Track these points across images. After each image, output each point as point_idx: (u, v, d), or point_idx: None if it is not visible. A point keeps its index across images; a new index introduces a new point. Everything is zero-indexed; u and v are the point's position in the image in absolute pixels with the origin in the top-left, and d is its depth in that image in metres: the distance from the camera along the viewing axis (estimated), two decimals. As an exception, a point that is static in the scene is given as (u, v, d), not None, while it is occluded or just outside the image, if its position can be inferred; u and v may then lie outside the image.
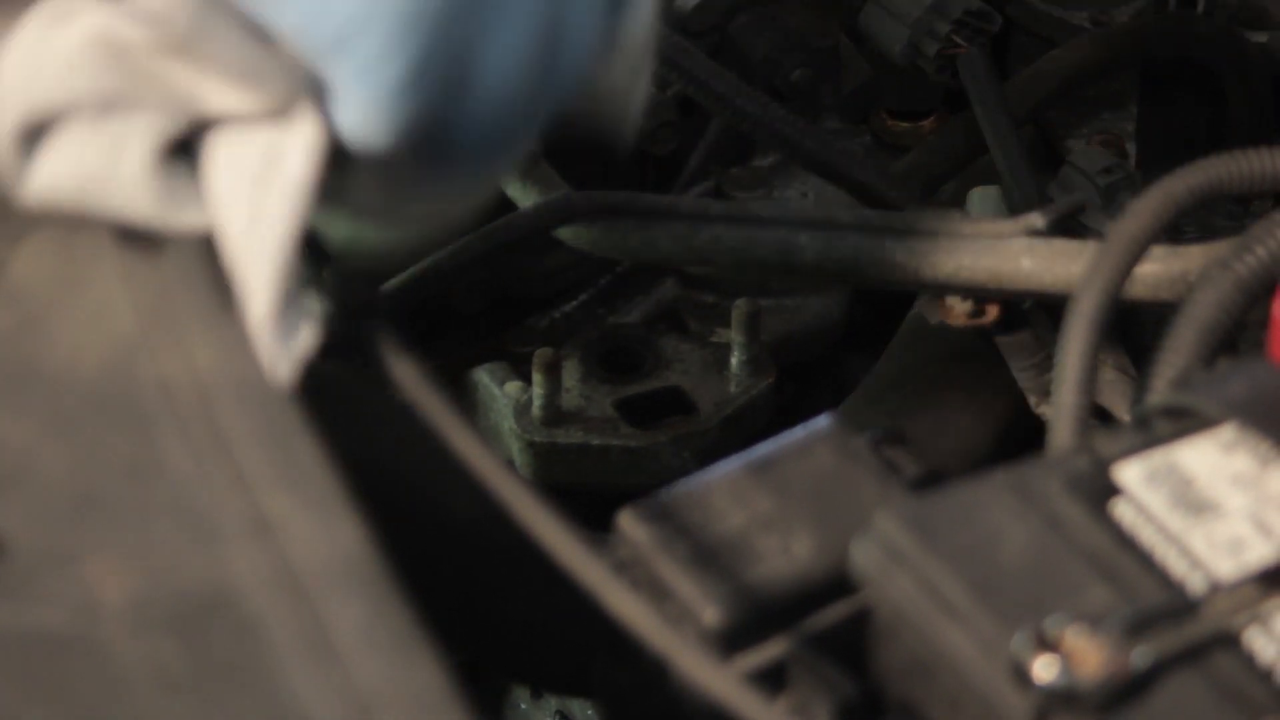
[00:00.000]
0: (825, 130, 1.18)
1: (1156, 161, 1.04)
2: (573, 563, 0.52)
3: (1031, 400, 0.90)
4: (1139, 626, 0.48)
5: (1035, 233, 0.82)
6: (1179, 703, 0.47)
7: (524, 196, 0.96)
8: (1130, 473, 0.53)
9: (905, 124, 1.18)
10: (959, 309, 0.83)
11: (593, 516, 0.60)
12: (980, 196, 0.99)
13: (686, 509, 0.58)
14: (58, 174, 0.53)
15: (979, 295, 0.82)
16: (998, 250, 0.81)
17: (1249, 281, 0.69)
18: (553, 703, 0.95)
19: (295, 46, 0.52)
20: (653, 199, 0.85)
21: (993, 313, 0.83)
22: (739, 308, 0.99)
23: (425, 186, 0.57)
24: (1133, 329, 0.90)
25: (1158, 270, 0.79)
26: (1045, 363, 0.88)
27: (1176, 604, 0.49)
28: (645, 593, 0.57)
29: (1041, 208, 0.84)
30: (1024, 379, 0.89)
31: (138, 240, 0.55)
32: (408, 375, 0.56)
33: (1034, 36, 1.14)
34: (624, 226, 0.82)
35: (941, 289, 0.82)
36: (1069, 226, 0.88)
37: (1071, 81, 1.05)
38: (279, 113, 0.52)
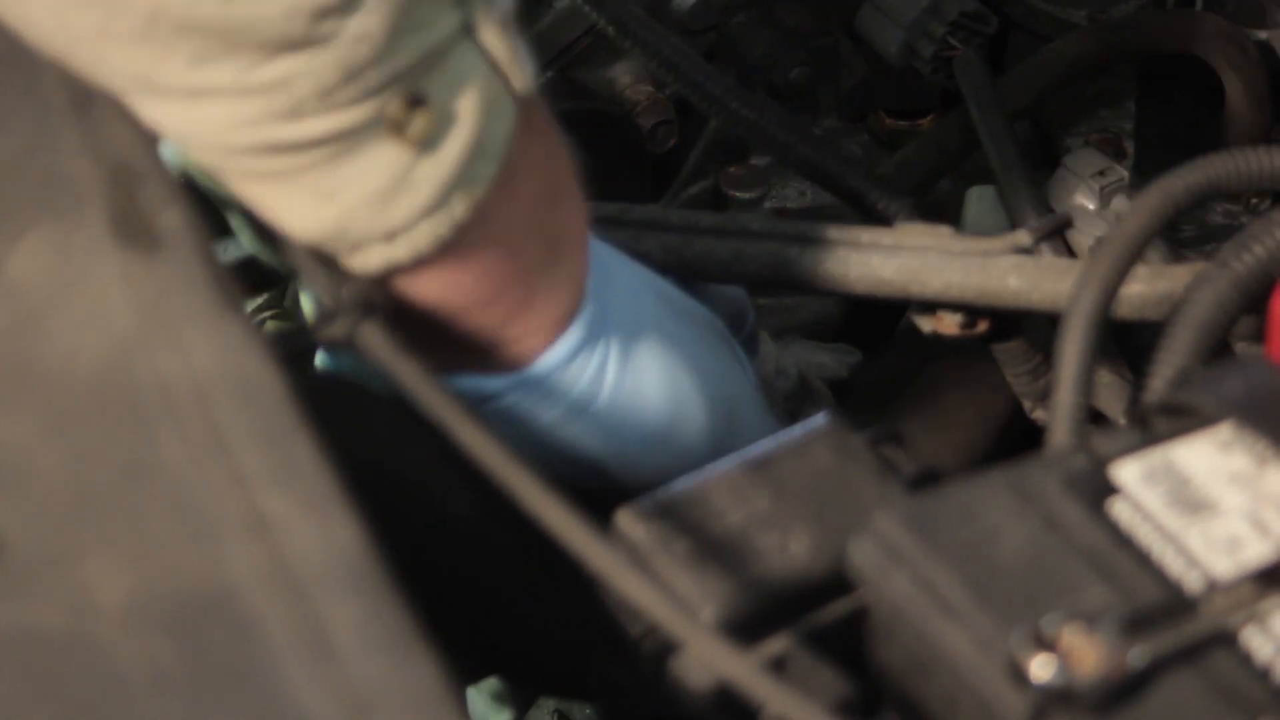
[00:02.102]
0: (823, 130, 1.18)
1: (1155, 160, 1.04)
2: (583, 549, 0.52)
3: (1026, 405, 0.90)
4: (1136, 625, 0.48)
5: (1023, 250, 0.82)
6: (1176, 701, 0.47)
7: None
8: (1128, 472, 0.53)
9: (903, 123, 1.19)
10: (950, 320, 0.83)
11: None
12: (977, 195, 0.99)
13: (685, 507, 0.58)
14: None
15: (968, 311, 0.83)
16: (985, 268, 0.81)
17: (1247, 280, 0.69)
18: (551, 702, 0.95)
19: None
20: (644, 210, 0.85)
21: (984, 325, 0.84)
22: None
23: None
24: (1130, 332, 0.90)
25: (1144, 290, 0.79)
26: (1039, 369, 0.88)
27: (1174, 603, 0.49)
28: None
29: (1029, 224, 0.84)
30: (1018, 385, 0.89)
31: (135, 238, 0.55)
32: (409, 370, 0.56)
33: (1032, 35, 1.14)
34: (617, 238, 0.82)
35: (930, 305, 0.83)
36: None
37: (1070, 75, 1.05)
38: None
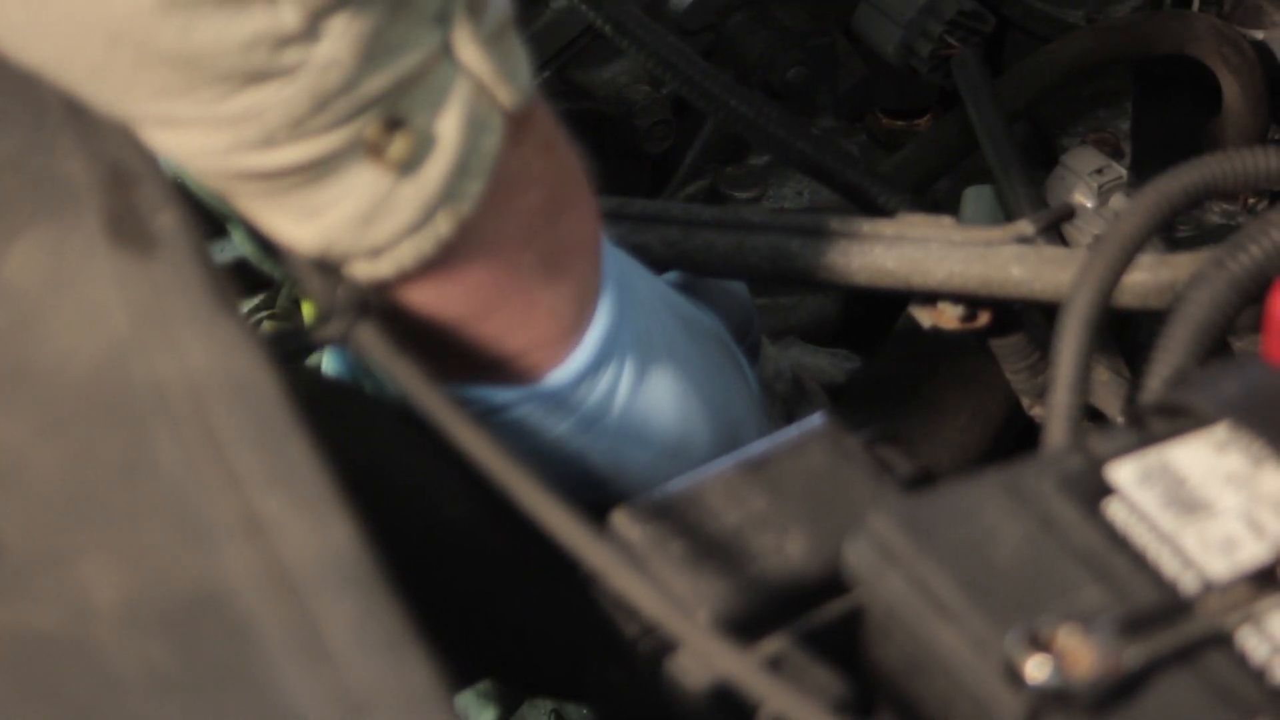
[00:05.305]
0: (820, 130, 1.18)
1: (1152, 160, 1.04)
2: (580, 547, 0.52)
3: (1025, 402, 0.90)
4: (1131, 626, 0.48)
5: (1025, 240, 0.82)
6: (1171, 702, 0.47)
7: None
8: (1123, 472, 0.53)
9: (900, 123, 1.19)
10: (950, 313, 0.83)
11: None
12: (975, 195, 0.99)
13: (681, 508, 0.58)
14: None
15: (969, 301, 0.83)
16: (988, 257, 0.81)
17: (1243, 280, 0.69)
18: (547, 702, 0.95)
19: None
20: (644, 204, 0.85)
21: (984, 317, 0.83)
22: None
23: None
24: (1127, 330, 0.90)
25: (1146, 279, 0.79)
26: (1038, 365, 0.87)
27: (1169, 604, 0.49)
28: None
29: (1031, 215, 0.84)
30: (1017, 381, 0.89)
31: (131, 239, 0.55)
32: (404, 370, 0.56)
33: (1029, 35, 1.14)
34: (617, 232, 0.82)
35: (932, 295, 0.83)
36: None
37: (1068, 75, 1.05)
38: None
